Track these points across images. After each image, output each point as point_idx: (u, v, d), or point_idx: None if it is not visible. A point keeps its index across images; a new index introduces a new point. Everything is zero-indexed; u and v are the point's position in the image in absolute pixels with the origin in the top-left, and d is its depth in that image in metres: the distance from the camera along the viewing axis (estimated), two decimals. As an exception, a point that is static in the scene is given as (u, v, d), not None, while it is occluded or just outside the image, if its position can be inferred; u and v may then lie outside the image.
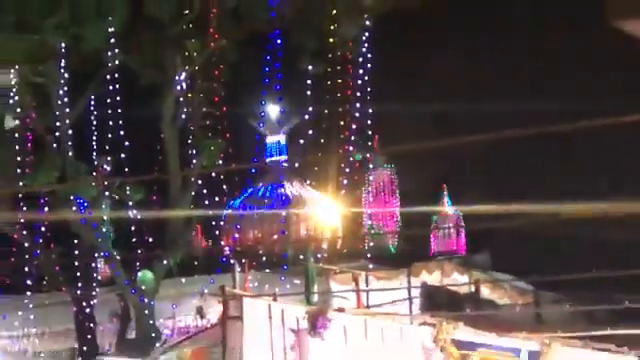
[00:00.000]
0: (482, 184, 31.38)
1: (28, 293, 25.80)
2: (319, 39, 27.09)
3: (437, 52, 32.18)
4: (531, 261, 28.12)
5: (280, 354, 15.76)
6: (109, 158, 26.62)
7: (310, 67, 27.60)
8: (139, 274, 24.95)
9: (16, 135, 24.70)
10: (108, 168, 26.89)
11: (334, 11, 26.76)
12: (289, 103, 32.59)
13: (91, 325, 25.24)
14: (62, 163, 24.89)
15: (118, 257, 25.25)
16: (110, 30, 24.50)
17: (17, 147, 24.58)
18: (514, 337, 18.78)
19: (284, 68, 27.22)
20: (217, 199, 26.98)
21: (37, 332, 25.85)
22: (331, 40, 27.27)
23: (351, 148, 28.71)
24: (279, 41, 26.49)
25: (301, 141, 29.36)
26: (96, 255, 25.96)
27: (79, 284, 25.36)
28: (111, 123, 25.49)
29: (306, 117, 29.37)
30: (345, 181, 30.19)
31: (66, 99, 25.12)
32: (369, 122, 29.13)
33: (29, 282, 25.96)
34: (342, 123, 28.96)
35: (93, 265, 26.30)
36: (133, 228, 25.51)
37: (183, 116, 26.26)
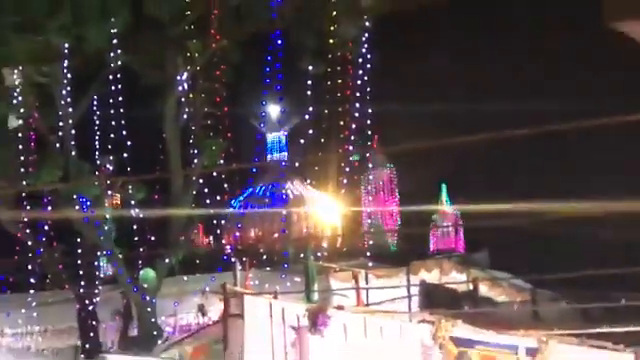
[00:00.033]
0: (480, 183, 31.41)
1: (31, 291, 25.81)
2: (319, 40, 27.06)
3: (435, 53, 32.20)
4: (529, 259, 28.15)
5: (281, 351, 15.76)
6: (111, 157, 26.63)
7: (310, 67, 27.58)
8: (141, 272, 24.95)
9: (19, 135, 24.68)
10: (110, 167, 26.91)
11: (334, 12, 26.73)
12: (290, 103, 32.62)
13: (94, 323, 25.26)
14: (65, 162, 24.89)
15: (120, 255, 25.25)
16: (112, 31, 24.49)
17: (20, 147, 24.57)
18: (512, 334, 18.79)
19: (285, 68, 27.22)
20: (218, 198, 26.98)
21: (40, 329, 25.87)
22: (331, 41, 27.25)
23: (351, 148, 28.70)
24: (280, 42, 26.47)
25: (301, 141, 29.35)
26: (99, 253, 25.97)
27: (82, 282, 25.37)
28: (113, 123, 25.49)
29: (306, 117, 29.37)
30: (345, 180, 30.18)
31: (69, 99, 25.12)
32: (369, 122, 29.14)
33: (32, 280, 25.97)
34: (342, 123, 28.95)
35: (96, 263, 26.32)
36: (135, 227, 25.51)
37: (185, 116, 26.27)
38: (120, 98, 25.48)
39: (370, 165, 33.09)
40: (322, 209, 32.02)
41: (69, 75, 24.90)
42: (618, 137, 23.65)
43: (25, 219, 25.18)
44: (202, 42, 25.54)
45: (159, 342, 23.15)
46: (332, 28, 26.94)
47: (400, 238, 32.13)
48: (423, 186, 31.81)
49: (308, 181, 33.18)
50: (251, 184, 33.37)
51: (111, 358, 17.59)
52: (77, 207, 24.69)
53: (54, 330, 26.00)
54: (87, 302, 25.22)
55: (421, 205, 29.12)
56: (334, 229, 32.56)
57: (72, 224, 25.44)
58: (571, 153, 30.92)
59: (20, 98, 24.31)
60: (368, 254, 27.67)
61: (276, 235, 31.52)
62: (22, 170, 24.42)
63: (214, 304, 22.01)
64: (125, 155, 25.58)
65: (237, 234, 31.76)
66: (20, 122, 24.61)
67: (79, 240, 25.70)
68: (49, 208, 25.08)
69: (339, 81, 28.66)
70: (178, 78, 25.81)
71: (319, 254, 26.02)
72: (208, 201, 26.48)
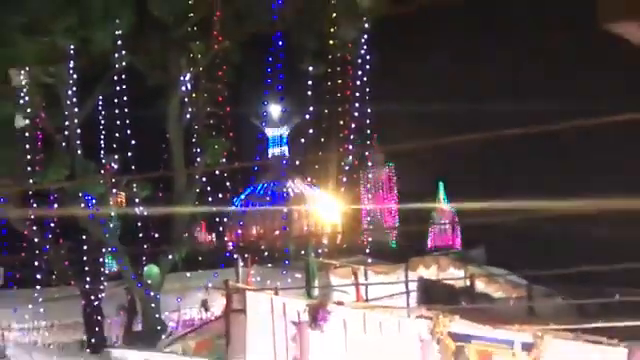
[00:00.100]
0: (477, 182, 31.40)
1: (38, 287, 25.78)
2: (319, 41, 27.04)
3: (434, 53, 32.20)
4: (524, 256, 28.13)
5: (282, 346, 15.76)
6: (116, 156, 26.62)
7: (311, 68, 27.57)
8: (145, 268, 24.94)
9: (26, 134, 24.66)
10: (115, 166, 26.90)
11: (334, 14, 26.71)
12: (290, 103, 32.63)
13: (99, 318, 25.25)
14: (71, 161, 24.88)
15: (125, 252, 25.24)
16: (117, 33, 24.48)
17: (27, 146, 24.54)
18: (508, 329, 18.77)
19: (285, 69, 27.20)
20: (221, 196, 26.97)
21: (47, 324, 25.86)
22: (331, 42, 27.22)
23: (350, 147, 28.68)
24: (280, 43, 26.45)
25: (302, 140, 29.35)
26: (104, 250, 25.96)
27: (87, 278, 25.35)
28: (118, 123, 25.47)
29: (307, 116, 29.36)
30: (344, 179, 30.18)
31: (75, 99, 25.10)
32: (368, 121, 29.12)
33: (39, 276, 25.94)
34: (342, 122, 28.94)
35: (101, 260, 26.30)
36: (140, 224, 25.50)
37: (188, 116, 26.25)
38: (125, 98, 25.46)
39: (369, 164, 33.10)
40: (322, 207, 32.02)
41: (75, 76, 24.89)
42: (613, 137, 23.65)
43: (32, 217, 25.17)
44: (205, 43, 25.52)
45: (163, 337, 23.14)
46: (332, 30, 26.91)
47: (399, 235, 32.14)
48: (421, 184, 31.82)
49: (308, 179, 33.18)
50: (253, 182, 33.39)
51: (116, 352, 17.56)
52: (83, 205, 24.68)
53: (60, 325, 25.99)
54: (92, 298, 25.21)
55: (419, 203, 29.12)
56: (334, 227, 32.58)
57: (78, 222, 25.43)
58: (567, 152, 30.92)
59: (27, 98, 24.29)
60: (367, 251, 27.68)
61: (277, 232, 31.53)
62: (29, 169, 24.40)
63: (217, 300, 22.02)
64: (130, 154, 25.57)
65: (239, 231, 31.77)
66: (27, 122, 24.59)
67: (85, 237, 25.68)
68: (55, 206, 25.06)
69: (339, 81, 28.64)
70: (181, 78, 25.80)
71: (319, 251, 25.99)
72: (211, 199, 26.48)
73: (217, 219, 30.27)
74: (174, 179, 25.85)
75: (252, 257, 23.00)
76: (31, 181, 24.35)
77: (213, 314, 22.35)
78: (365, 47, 28.22)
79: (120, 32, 24.51)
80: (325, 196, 31.74)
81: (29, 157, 24.50)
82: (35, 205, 25.17)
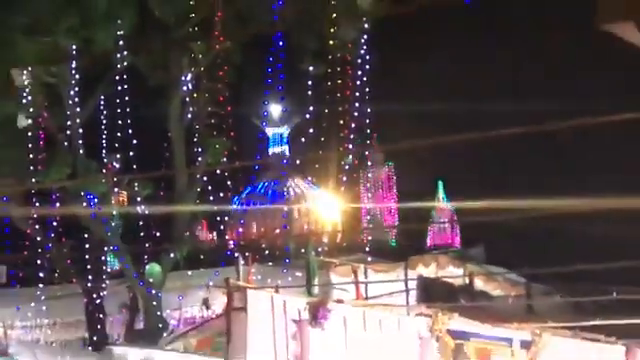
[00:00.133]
0: (476, 181, 31.40)
1: (40, 285, 25.82)
2: (319, 41, 27.05)
3: (433, 54, 32.20)
4: (523, 254, 28.13)
5: (282, 344, 15.76)
6: (118, 156, 26.62)
7: (311, 68, 27.59)
8: (147, 267, 24.95)
9: (29, 134, 24.67)
10: (117, 165, 26.90)
11: (334, 15, 26.71)
12: (291, 103, 32.63)
13: (101, 316, 25.25)
14: (73, 160, 24.88)
15: (127, 251, 25.25)
16: (119, 33, 24.48)
17: (30, 145, 24.55)
18: (506, 327, 18.78)
19: (286, 69, 27.21)
20: (222, 195, 26.97)
21: (49, 322, 25.86)
22: (331, 42, 27.23)
23: (350, 146, 28.69)
24: (281, 43, 26.46)
25: (302, 139, 29.36)
26: (106, 249, 25.96)
27: (89, 276, 25.35)
28: (120, 122, 25.48)
29: (307, 116, 29.37)
30: (345, 178, 30.19)
31: (77, 99, 25.11)
32: (368, 121, 29.13)
33: (41, 274, 25.98)
34: (342, 122, 28.95)
35: (103, 258, 26.30)
36: (141, 223, 25.51)
37: (189, 115, 26.25)
38: (126, 98, 25.48)
39: (369, 163, 33.11)
40: (322, 206, 32.03)
41: (77, 76, 24.90)
42: (611, 136, 23.66)
43: (35, 215, 25.18)
44: (206, 44, 25.53)
45: (164, 335, 23.15)
46: (332, 30, 26.92)
47: (398, 234, 32.15)
48: (421, 183, 31.83)
49: (309, 179, 33.19)
50: (253, 182, 33.39)
51: (118, 350, 17.58)
52: (85, 204, 24.69)
53: (62, 323, 25.99)
54: (94, 296, 25.21)
55: (418, 202, 29.13)
56: (334, 225, 32.58)
57: (80, 220, 25.44)
58: (565, 152, 30.92)
59: (29, 98, 24.30)
60: (367, 249, 27.68)
61: (278, 231, 31.52)
62: (31, 168, 24.41)
63: (218, 298, 22.03)
64: (131, 153, 25.58)
65: (240, 230, 31.78)
66: (29, 121, 24.60)
67: (87, 236, 25.69)
68: (58, 205, 25.07)
69: (339, 81, 28.66)
70: (182, 78, 25.81)
71: (319, 249, 26.00)
72: (212, 198, 26.49)
73: (218, 218, 30.30)
74: (175, 178, 25.86)
75: (253, 256, 22.99)
76: (34, 180, 24.36)
77: (214, 312, 22.36)
78: (365, 47, 28.23)
79: (122, 32, 24.52)
80: (325, 195, 31.75)
81: (32, 156, 24.51)
82: (38, 204, 25.19)
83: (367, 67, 28.55)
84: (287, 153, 35.09)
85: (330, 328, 16.19)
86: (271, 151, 34.72)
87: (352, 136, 28.95)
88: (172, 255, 25.38)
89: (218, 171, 26.64)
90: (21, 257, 26.55)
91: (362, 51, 28.26)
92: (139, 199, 25.90)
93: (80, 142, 25.16)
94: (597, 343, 19.76)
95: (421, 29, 30.13)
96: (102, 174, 25.64)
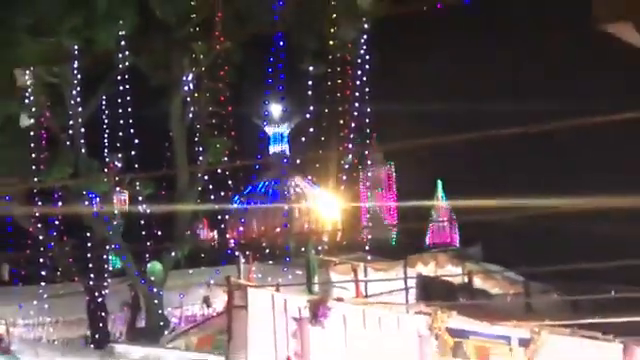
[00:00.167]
0: (475, 180, 31.39)
1: (43, 283, 25.83)
2: (319, 41, 27.06)
3: (432, 54, 32.20)
4: (521, 253, 28.14)
5: (283, 341, 15.77)
6: (120, 155, 26.64)
7: (311, 68, 27.59)
8: (148, 265, 24.95)
9: (31, 133, 24.69)
10: (119, 165, 26.92)
11: (334, 15, 26.72)
12: (291, 102, 32.63)
13: (103, 314, 25.26)
14: (75, 160, 24.90)
15: (128, 249, 25.26)
16: (121, 33, 24.49)
17: (32, 145, 24.56)
18: (505, 325, 18.79)
19: (286, 69, 27.21)
20: (223, 194, 26.98)
21: (51, 320, 25.88)
22: (331, 42, 27.24)
23: (350, 146, 28.70)
24: (281, 43, 26.46)
25: (302, 139, 29.36)
26: (107, 247, 25.97)
27: (91, 275, 25.37)
28: (122, 122, 25.49)
29: (307, 116, 29.38)
30: (344, 177, 30.19)
31: (79, 99, 25.13)
32: (367, 121, 29.14)
33: (44, 273, 25.99)
34: (341, 121, 28.96)
35: (105, 257, 26.31)
36: (143, 222, 25.52)
37: (190, 115, 26.27)
38: (128, 98, 25.48)
39: (369, 162, 33.10)
40: (322, 205, 32.04)
41: (79, 76, 24.92)
42: (609, 136, 23.66)
43: (37, 214, 25.20)
44: (207, 44, 25.54)
45: (166, 333, 23.16)
46: (332, 30, 26.93)
47: (398, 233, 32.14)
48: (420, 183, 31.83)
49: (309, 178, 33.20)
50: (254, 181, 33.39)
51: (119, 348, 17.57)
52: (87, 203, 24.70)
53: (64, 321, 26.01)
54: (96, 294, 25.23)
55: (418, 201, 29.12)
56: (334, 224, 32.58)
57: (82, 219, 25.46)
58: (563, 151, 30.94)
59: (32, 98, 24.31)
60: (367, 248, 27.68)
61: (278, 230, 31.52)
62: (34, 167, 24.42)
63: (218, 296, 22.03)
64: (133, 153, 25.59)
65: (241, 229, 31.78)
66: (32, 121, 24.61)
67: (89, 234, 25.70)
68: (60, 204, 25.09)
69: (339, 81, 28.66)
70: (184, 78, 25.83)
71: (319, 248, 26.02)
72: (213, 197, 26.49)
73: (219, 217, 30.29)
74: (177, 177, 25.87)
75: (253, 254, 23.02)
76: (36, 179, 24.38)
77: (215, 310, 22.36)
78: (365, 47, 28.24)
79: (123, 33, 24.53)
80: (325, 194, 31.75)
81: (34, 156, 24.53)
82: (40, 203, 25.21)
83: (367, 67, 28.57)
84: (287, 152, 35.10)
85: (330, 326, 16.20)
86: (272, 149, 34.73)
87: (352, 136, 28.97)
88: (173, 254, 25.39)
89: (219, 170, 26.65)
90: (23, 255, 26.57)
91: (362, 51, 28.26)
92: (140, 198, 25.91)
93: (82, 141, 25.18)
94: (595, 341, 19.78)
95: (421, 29, 30.12)
96: (104, 173, 25.67)
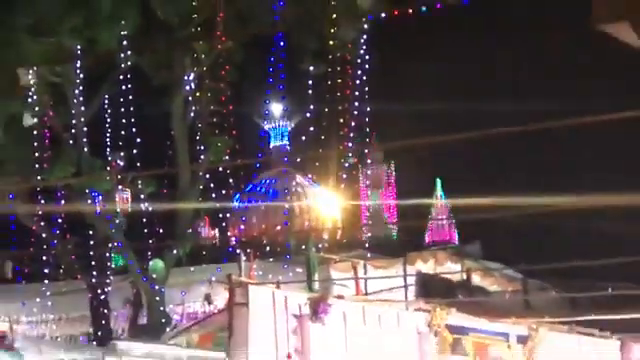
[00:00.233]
0: (474, 179, 31.41)
1: (46, 281, 25.81)
2: (320, 41, 27.03)
3: (432, 54, 32.19)
4: (520, 251, 28.15)
5: (283, 338, 15.79)
6: (122, 154, 26.63)
7: (311, 68, 27.56)
8: (150, 263, 24.93)
9: (34, 132, 24.67)
10: (121, 163, 26.91)
11: (334, 15, 26.70)
12: (291, 102, 32.64)
13: (105, 311, 25.24)
14: (78, 158, 24.88)
15: (131, 247, 25.25)
16: (123, 33, 24.47)
17: (35, 144, 24.55)
18: (504, 322, 18.81)
19: (286, 69, 27.19)
20: (224, 192, 26.96)
21: (54, 318, 25.86)
22: (331, 42, 27.21)
23: (350, 145, 28.68)
24: (282, 43, 26.44)
25: (303, 138, 29.35)
26: (110, 245, 25.96)
27: (94, 272, 25.35)
28: (124, 121, 25.47)
29: (307, 115, 29.37)
30: (345, 176, 30.18)
31: (82, 98, 25.11)
32: (367, 120, 29.12)
33: (47, 271, 25.96)
34: (342, 121, 28.94)
35: (107, 255, 26.30)
36: (145, 220, 25.51)
37: (192, 114, 26.25)
38: (130, 97, 25.47)
39: (369, 161, 33.11)
40: (323, 203, 32.04)
41: (81, 75, 24.89)
42: (608, 135, 23.64)
43: (40, 213, 25.18)
44: (208, 44, 25.52)
45: (167, 329, 23.15)
46: (332, 30, 26.90)
47: (397, 230, 32.15)
48: (420, 181, 31.84)
49: (309, 176, 33.19)
50: (255, 179, 33.39)
51: (121, 345, 17.58)
52: (89, 201, 24.70)
53: (67, 318, 25.99)
54: (99, 291, 25.21)
55: (417, 199, 29.12)
56: (334, 222, 32.58)
57: (84, 217, 25.44)
58: (561, 150, 30.93)
59: (35, 97, 24.28)
60: (367, 246, 27.67)
61: (279, 228, 31.53)
62: (37, 166, 24.40)
63: (220, 293, 22.02)
64: (135, 151, 25.57)
65: (242, 227, 31.78)
66: (35, 120, 24.58)
67: (91, 232, 25.68)
68: (62, 202, 25.08)
69: (339, 81, 28.63)
70: (185, 78, 25.81)
71: (320, 246, 26.02)
72: (214, 195, 26.47)
73: (220, 215, 30.27)
74: (178, 176, 25.86)
75: (254, 252, 23.03)
76: (39, 178, 24.37)
77: (216, 307, 22.35)
78: (365, 47, 28.21)
79: (125, 33, 24.50)
80: (325, 192, 31.75)
81: (37, 154, 24.52)
82: (43, 201, 25.20)
83: (367, 67, 28.54)
84: (288, 148, 35.10)
85: (330, 323, 16.21)
86: (272, 145, 34.74)
87: (352, 135, 28.94)
88: (175, 251, 25.37)
89: (220, 169, 26.64)
90: (26, 253, 26.56)
91: (362, 51, 28.23)
92: (142, 196, 25.89)
93: (84, 140, 25.16)
94: (592, 338, 19.79)
95: (421, 29, 30.12)
96: (106, 172, 25.66)
